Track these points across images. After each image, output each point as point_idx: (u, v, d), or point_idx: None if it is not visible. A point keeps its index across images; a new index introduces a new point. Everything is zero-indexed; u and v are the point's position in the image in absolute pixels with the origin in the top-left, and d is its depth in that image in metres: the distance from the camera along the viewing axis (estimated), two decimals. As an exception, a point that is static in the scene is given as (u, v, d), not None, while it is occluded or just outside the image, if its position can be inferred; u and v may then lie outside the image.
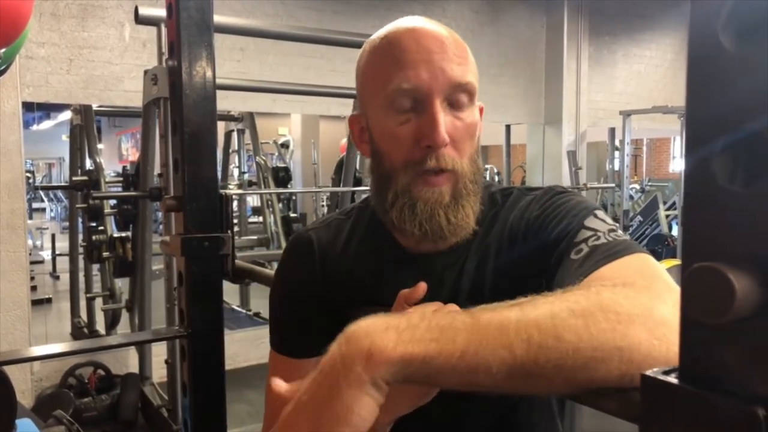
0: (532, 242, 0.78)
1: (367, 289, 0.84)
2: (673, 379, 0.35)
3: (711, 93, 0.33)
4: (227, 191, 1.00)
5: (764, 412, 0.31)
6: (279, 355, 0.88)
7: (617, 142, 6.82)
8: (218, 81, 1.01)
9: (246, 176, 6.70)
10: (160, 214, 5.61)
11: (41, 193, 11.33)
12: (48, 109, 7.97)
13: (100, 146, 5.22)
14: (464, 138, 0.77)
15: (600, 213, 0.75)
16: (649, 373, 0.36)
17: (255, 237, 6.24)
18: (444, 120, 0.74)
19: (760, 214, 0.31)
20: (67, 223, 6.77)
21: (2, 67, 2.84)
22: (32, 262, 5.23)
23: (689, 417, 0.34)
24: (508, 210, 0.83)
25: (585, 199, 0.80)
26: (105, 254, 4.37)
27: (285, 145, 8.67)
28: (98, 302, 4.88)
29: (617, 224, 0.79)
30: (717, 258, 0.31)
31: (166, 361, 3.31)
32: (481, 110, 0.84)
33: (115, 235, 4.35)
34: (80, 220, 5.01)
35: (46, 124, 10.12)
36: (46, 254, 8.31)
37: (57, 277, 7.65)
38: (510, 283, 0.71)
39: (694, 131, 0.34)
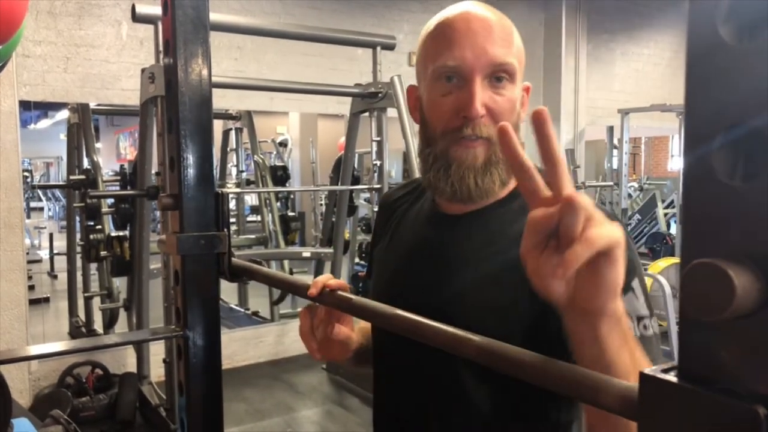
0: None
1: (400, 241, 1.01)
2: (672, 377, 0.34)
3: (711, 88, 0.33)
4: (223, 189, 0.99)
5: (765, 410, 0.30)
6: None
7: (615, 141, 6.82)
8: (216, 79, 1.01)
9: (244, 175, 6.69)
10: (158, 213, 5.61)
11: (39, 192, 11.31)
12: (46, 107, 7.95)
13: (98, 145, 5.22)
14: (503, 111, 0.85)
15: (637, 286, 0.79)
16: (647, 371, 0.35)
17: (253, 236, 6.23)
18: (482, 95, 0.84)
19: (760, 210, 0.30)
20: (65, 222, 6.75)
21: (-1, 66, 2.83)
22: (30, 262, 5.23)
23: (688, 415, 0.33)
24: None
25: (633, 255, 0.78)
26: (103, 253, 4.36)
27: (283, 144, 8.65)
28: (96, 301, 4.86)
29: (649, 305, 0.80)
30: (716, 254, 0.31)
31: (164, 360, 3.31)
32: (527, 89, 0.92)
33: (113, 234, 4.34)
34: (78, 219, 4.99)
35: (44, 123, 10.09)
36: (44, 253, 8.29)
37: (55, 277, 7.63)
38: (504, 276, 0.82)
39: (693, 127, 0.33)
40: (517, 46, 0.88)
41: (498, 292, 0.83)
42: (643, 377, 0.36)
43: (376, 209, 4.24)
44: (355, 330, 0.98)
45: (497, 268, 0.84)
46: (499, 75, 0.85)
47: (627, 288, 0.77)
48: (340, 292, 0.77)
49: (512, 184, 0.90)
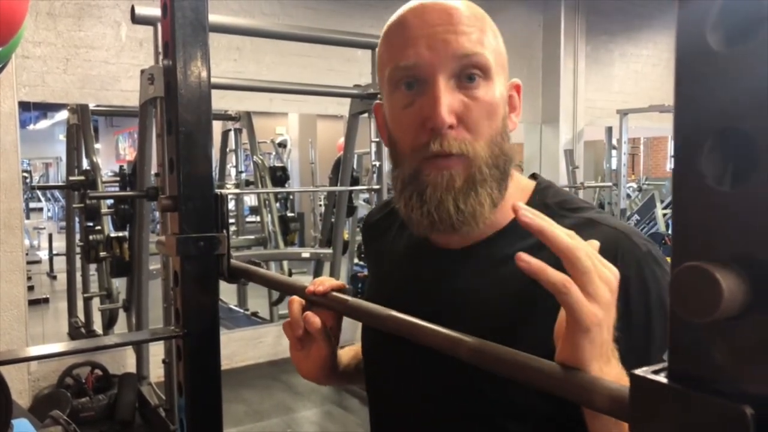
0: None
1: (389, 275, 0.89)
2: (662, 378, 0.35)
3: (699, 94, 0.33)
4: (223, 191, 1.00)
5: (752, 410, 0.31)
6: None
7: (614, 141, 6.83)
8: (215, 80, 1.01)
9: (243, 176, 6.69)
10: (157, 214, 5.61)
11: (38, 192, 11.31)
12: (45, 108, 7.95)
13: (97, 146, 5.21)
14: (479, 118, 0.70)
15: None
16: (638, 372, 0.36)
17: (252, 236, 6.23)
18: (450, 99, 0.68)
19: (747, 215, 0.31)
20: (64, 223, 6.75)
21: (-2, 67, 2.83)
22: (29, 262, 5.23)
23: (678, 416, 0.34)
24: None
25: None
26: (102, 254, 4.36)
27: (282, 145, 8.66)
28: (95, 302, 4.87)
29: None
30: (705, 257, 0.32)
31: (164, 361, 3.31)
32: (517, 87, 0.77)
33: (112, 234, 4.34)
34: (77, 219, 5.00)
35: (43, 124, 10.09)
36: (43, 254, 8.29)
37: (54, 277, 7.63)
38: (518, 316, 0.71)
39: (682, 132, 0.34)
40: (491, 38, 0.72)
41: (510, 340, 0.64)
42: (634, 378, 0.36)
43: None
44: (343, 352, 0.93)
45: (506, 315, 0.71)
46: (469, 72, 0.69)
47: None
48: (335, 293, 0.77)
49: (508, 206, 0.71)
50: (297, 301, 0.81)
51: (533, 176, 0.83)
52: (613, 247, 0.68)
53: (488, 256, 0.75)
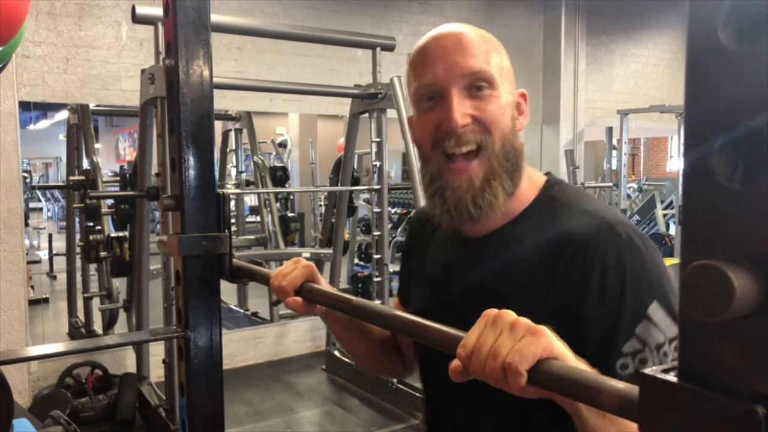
0: (571, 287, 0.79)
1: (432, 262, 1.02)
2: (672, 377, 0.35)
3: (710, 91, 0.33)
4: (225, 190, 1.00)
5: (764, 410, 0.31)
6: (397, 298, 1.13)
7: (615, 142, 6.83)
8: (216, 80, 1.01)
9: (244, 176, 6.69)
10: (157, 214, 5.61)
11: (38, 192, 11.30)
12: (45, 108, 7.94)
13: (97, 146, 5.21)
14: (491, 116, 0.84)
15: (655, 311, 0.74)
16: (648, 371, 0.36)
17: (253, 236, 6.23)
18: (463, 105, 0.84)
19: (760, 212, 0.31)
20: (63, 223, 6.75)
21: (-1, 67, 2.83)
22: (29, 262, 5.22)
23: (688, 415, 0.34)
24: (567, 224, 0.84)
25: (654, 277, 0.77)
26: (102, 254, 4.36)
27: (282, 145, 8.64)
28: (95, 302, 4.86)
29: (674, 326, 0.74)
30: (716, 256, 0.31)
31: (164, 361, 3.31)
32: (523, 96, 0.91)
33: (113, 234, 4.34)
34: (77, 219, 4.99)
35: (43, 124, 10.06)
36: (43, 254, 8.28)
37: (54, 277, 7.62)
38: (521, 291, 0.84)
39: (693, 129, 0.34)
40: (496, 57, 0.86)
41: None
42: (644, 378, 0.36)
43: (376, 210, 4.24)
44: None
45: (518, 288, 0.85)
46: (477, 84, 0.84)
47: (642, 315, 0.74)
48: (340, 292, 0.77)
49: (525, 196, 0.89)
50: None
51: (547, 174, 0.95)
52: (596, 236, 0.80)
53: (504, 241, 0.89)
